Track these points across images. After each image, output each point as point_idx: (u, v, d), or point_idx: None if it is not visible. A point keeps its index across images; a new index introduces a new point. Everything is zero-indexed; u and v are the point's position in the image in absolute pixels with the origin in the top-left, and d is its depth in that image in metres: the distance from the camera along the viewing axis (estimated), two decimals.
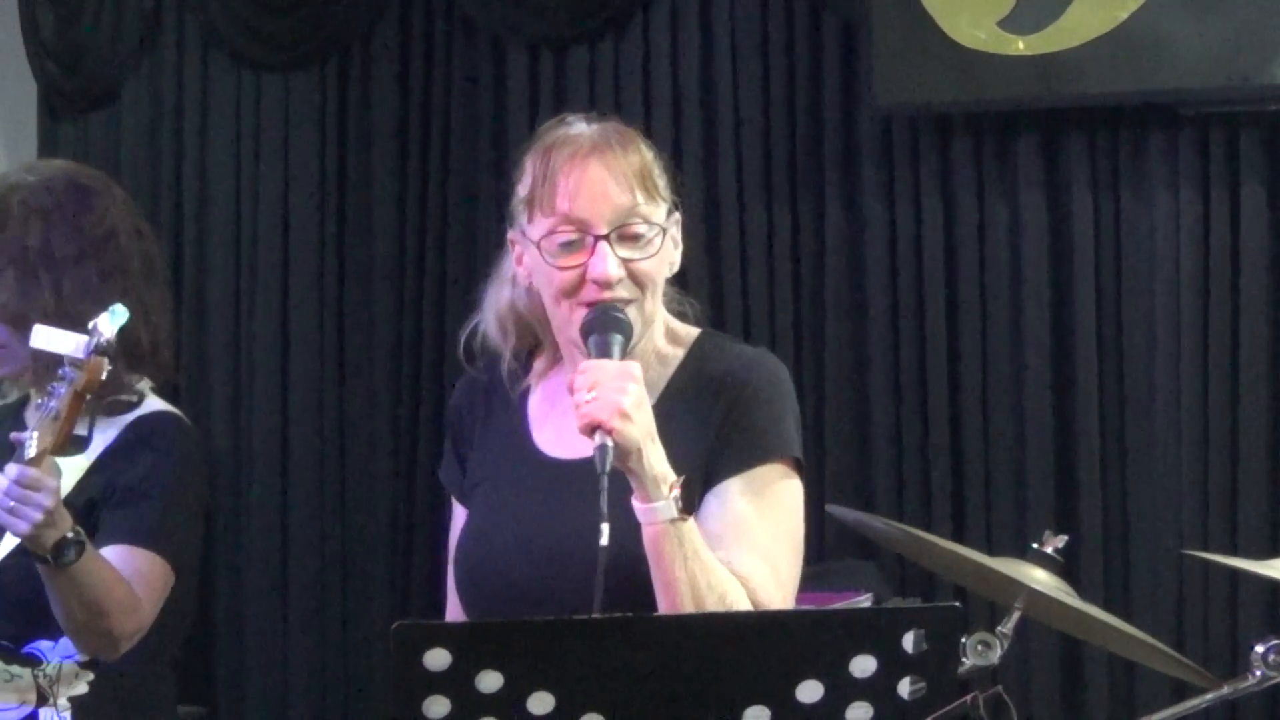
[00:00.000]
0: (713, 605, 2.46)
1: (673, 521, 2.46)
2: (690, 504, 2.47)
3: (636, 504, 2.47)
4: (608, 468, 2.42)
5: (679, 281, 2.76)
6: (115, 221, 3.34)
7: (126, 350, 3.20)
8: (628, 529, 2.47)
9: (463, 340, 2.79)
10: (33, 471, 2.97)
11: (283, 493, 5.49)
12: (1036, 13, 4.76)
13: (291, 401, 5.50)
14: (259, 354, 5.52)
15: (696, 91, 5.19)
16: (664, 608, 2.48)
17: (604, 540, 2.37)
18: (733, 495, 2.60)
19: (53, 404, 2.95)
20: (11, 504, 2.97)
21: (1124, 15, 4.70)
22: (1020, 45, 4.79)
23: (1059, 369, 4.91)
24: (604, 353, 2.55)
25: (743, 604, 2.50)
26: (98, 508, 3.22)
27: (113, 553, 3.18)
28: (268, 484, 5.49)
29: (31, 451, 2.96)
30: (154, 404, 3.33)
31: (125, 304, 3.10)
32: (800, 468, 2.66)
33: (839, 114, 5.09)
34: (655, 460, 2.47)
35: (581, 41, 5.30)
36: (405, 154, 5.45)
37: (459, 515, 2.79)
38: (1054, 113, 4.90)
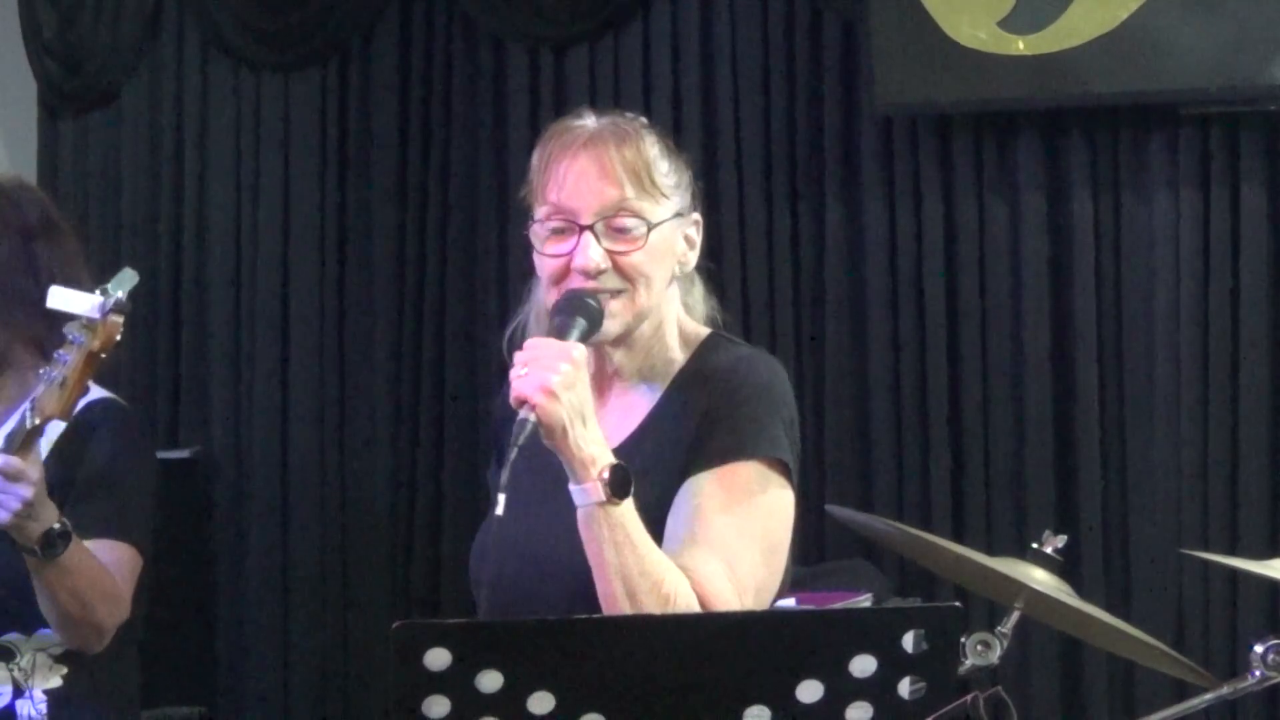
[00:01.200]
0: (645, 592, 2.47)
1: (600, 505, 2.48)
2: (619, 488, 2.48)
3: (570, 486, 2.50)
4: (520, 441, 2.44)
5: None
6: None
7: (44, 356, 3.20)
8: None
9: (506, 338, 2.79)
10: (16, 461, 2.97)
11: (283, 493, 5.49)
12: (1036, 13, 4.76)
13: (291, 402, 5.50)
14: (259, 354, 5.52)
15: (696, 91, 5.19)
16: (599, 590, 2.49)
17: (499, 511, 2.42)
18: (700, 490, 2.60)
19: (55, 373, 2.94)
20: None
21: (1124, 15, 4.70)
22: (1020, 45, 4.79)
23: (1059, 369, 4.91)
24: (560, 334, 2.57)
25: (684, 594, 2.50)
26: (56, 498, 3.20)
27: (90, 546, 3.18)
28: (268, 484, 5.49)
29: (36, 419, 2.95)
30: (98, 391, 3.32)
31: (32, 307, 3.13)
32: (786, 470, 2.65)
33: (839, 114, 5.09)
34: (584, 443, 2.48)
35: (581, 41, 5.30)
36: (405, 154, 5.45)
37: None
38: (1054, 113, 4.90)
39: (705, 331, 2.76)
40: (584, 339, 2.58)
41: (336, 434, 5.47)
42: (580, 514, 2.50)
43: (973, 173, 4.99)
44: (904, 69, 4.88)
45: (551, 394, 2.45)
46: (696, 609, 2.49)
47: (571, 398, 2.47)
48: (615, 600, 2.47)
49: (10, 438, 3.01)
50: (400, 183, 5.45)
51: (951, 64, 4.83)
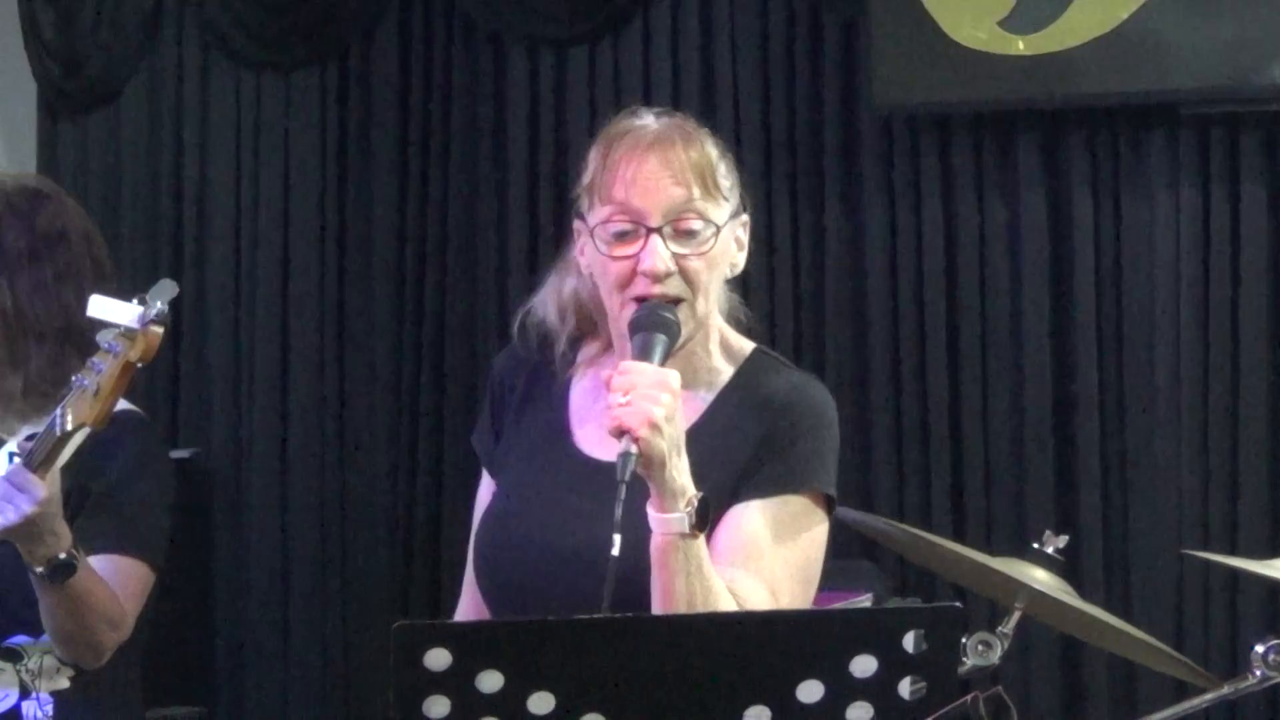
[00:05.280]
0: None
1: (683, 535, 2.45)
2: (704, 521, 2.46)
3: (651, 511, 2.46)
4: (628, 476, 2.40)
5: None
6: (67, 222, 3.33)
7: (84, 354, 3.20)
8: (639, 537, 2.47)
9: (518, 320, 2.77)
10: (27, 474, 2.96)
11: (282, 493, 5.49)
12: (1036, 13, 4.77)
13: (291, 402, 5.50)
14: (259, 354, 5.53)
15: (696, 91, 5.19)
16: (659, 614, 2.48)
17: (615, 551, 2.36)
18: (752, 517, 2.58)
19: (88, 380, 2.92)
20: None
21: (1124, 15, 4.70)
22: (1020, 45, 4.79)
23: (1059, 369, 4.92)
24: (645, 354, 2.52)
25: None
26: (69, 508, 3.20)
27: (98, 562, 3.17)
28: (268, 485, 5.49)
29: (68, 426, 2.93)
30: (120, 403, 3.31)
31: (77, 304, 3.12)
32: (830, 504, 2.64)
33: (839, 114, 5.10)
34: (678, 473, 2.45)
35: (581, 41, 5.30)
36: (405, 154, 5.45)
37: (485, 485, 2.77)
38: (1054, 113, 4.91)
39: (749, 346, 2.73)
40: (666, 357, 2.54)
41: (336, 434, 5.47)
42: (657, 540, 2.46)
43: (973, 173, 4.99)
44: (904, 69, 4.88)
45: (655, 428, 2.41)
46: None
47: (671, 430, 2.43)
48: None
49: (39, 443, 3.00)
50: (400, 183, 5.46)
51: (951, 64, 4.83)
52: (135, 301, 2.89)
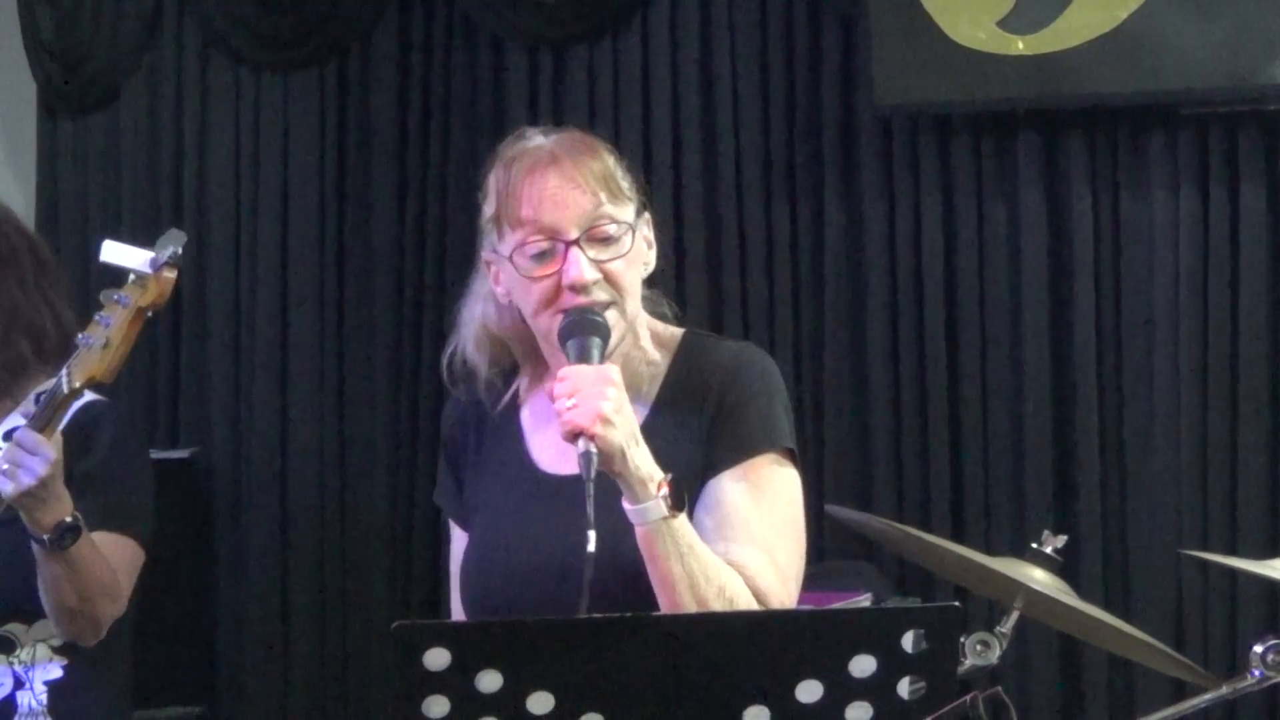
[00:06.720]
0: (713, 597, 2.47)
1: (664, 520, 2.46)
2: (679, 501, 2.48)
3: (626, 505, 2.48)
4: (593, 474, 2.41)
5: (676, 279, 2.76)
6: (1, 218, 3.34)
7: (35, 342, 3.19)
8: (623, 533, 2.48)
9: (445, 363, 2.78)
10: (36, 436, 2.96)
11: (282, 493, 5.49)
12: (1036, 13, 4.77)
13: (291, 402, 5.50)
14: (259, 354, 5.53)
15: (696, 91, 5.19)
16: (664, 606, 2.48)
17: (591, 547, 2.37)
18: (726, 488, 2.60)
19: (94, 338, 2.91)
20: (6, 465, 2.97)
21: (1124, 15, 4.70)
22: (1020, 45, 4.79)
23: (1059, 369, 4.92)
24: (583, 357, 2.54)
25: (742, 593, 2.51)
26: None
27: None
28: (267, 484, 5.49)
29: (76, 383, 2.92)
30: (91, 395, 3.31)
31: (22, 294, 3.12)
32: (794, 457, 2.66)
33: (839, 114, 5.10)
34: (640, 461, 2.47)
35: (581, 41, 5.31)
36: (405, 154, 5.45)
37: (458, 539, 2.78)
38: (1054, 113, 4.91)
39: (679, 331, 2.75)
40: (603, 357, 2.55)
41: (336, 434, 5.48)
42: (640, 532, 2.48)
43: (972, 173, 4.99)
44: (904, 69, 4.88)
45: (607, 421, 2.43)
46: (755, 606, 2.50)
47: (623, 421, 2.45)
48: (684, 610, 2.46)
49: (44, 403, 2.99)
50: (400, 183, 5.46)
51: (951, 64, 4.83)
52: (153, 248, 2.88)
